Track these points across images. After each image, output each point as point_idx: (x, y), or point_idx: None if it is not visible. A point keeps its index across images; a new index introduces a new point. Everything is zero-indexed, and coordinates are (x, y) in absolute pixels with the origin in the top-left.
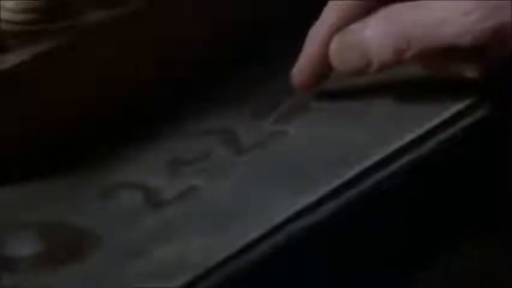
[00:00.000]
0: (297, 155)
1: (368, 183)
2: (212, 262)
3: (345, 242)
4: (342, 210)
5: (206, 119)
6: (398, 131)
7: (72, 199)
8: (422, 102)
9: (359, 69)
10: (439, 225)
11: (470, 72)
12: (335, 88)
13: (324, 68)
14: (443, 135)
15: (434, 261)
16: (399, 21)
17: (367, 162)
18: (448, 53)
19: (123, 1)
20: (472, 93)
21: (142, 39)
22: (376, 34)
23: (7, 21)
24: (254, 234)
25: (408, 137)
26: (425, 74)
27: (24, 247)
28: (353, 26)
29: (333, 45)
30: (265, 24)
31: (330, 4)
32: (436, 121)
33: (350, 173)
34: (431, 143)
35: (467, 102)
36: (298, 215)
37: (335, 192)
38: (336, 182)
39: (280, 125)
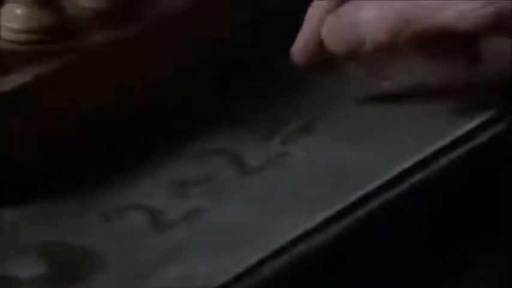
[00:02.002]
0: (302, 177)
1: (373, 205)
2: (216, 284)
3: (349, 266)
4: (346, 233)
5: (212, 139)
6: (406, 150)
7: (76, 220)
8: (431, 121)
9: (352, 49)
10: (448, 247)
11: (460, 60)
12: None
13: (320, 48)
14: (451, 156)
15: (443, 284)
16: (397, 1)
17: (373, 185)
18: (442, 37)
19: (127, 22)
20: (483, 111)
21: (145, 60)
22: (371, 13)
23: (9, 41)
24: (258, 257)
25: (415, 158)
26: (435, 92)
27: (27, 269)
28: (347, 6)
29: (326, 25)
30: (272, 44)
31: None
32: (445, 141)
33: (355, 196)
34: (439, 164)
35: (476, 121)
36: (303, 237)
37: (340, 215)
38: (341, 205)
39: (286, 147)
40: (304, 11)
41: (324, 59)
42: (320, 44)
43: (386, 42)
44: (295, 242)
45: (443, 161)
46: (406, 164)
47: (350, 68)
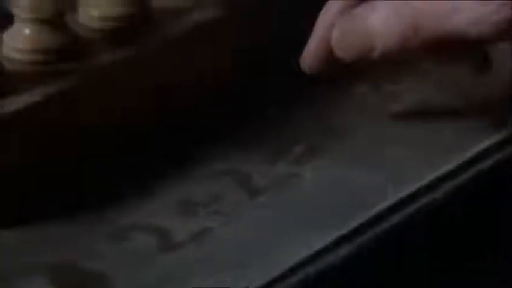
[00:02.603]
0: (311, 198)
1: (382, 227)
2: None
3: (357, 287)
4: (354, 254)
5: (219, 160)
6: (414, 172)
7: (84, 241)
8: (439, 141)
9: (362, 54)
10: (456, 270)
11: (469, 66)
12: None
13: (331, 53)
14: (461, 178)
15: None
16: (408, 7)
17: (382, 206)
18: (454, 43)
19: (132, 43)
20: (493, 131)
21: (150, 80)
22: (382, 19)
23: (16, 62)
24: (267, 278)
25: (423, 180)
26: (442, 111)
27: None
28: (358, 10)
29: (337, 29)
30: (280, 63)
31: None
32: (454, 164)
33: (364, 217)
34: (447, 186)
35: (486, 142)
36: (311, 258)
37: (347, 237)
38: (349, 226)
39: (294, 167)
40: (305, 31)
41: (333, 66)
42: (330, 50)
43: (397, 47)
44: (303, 263)
45: (451, 183)
46: (414, 186)
47: (358, 88)
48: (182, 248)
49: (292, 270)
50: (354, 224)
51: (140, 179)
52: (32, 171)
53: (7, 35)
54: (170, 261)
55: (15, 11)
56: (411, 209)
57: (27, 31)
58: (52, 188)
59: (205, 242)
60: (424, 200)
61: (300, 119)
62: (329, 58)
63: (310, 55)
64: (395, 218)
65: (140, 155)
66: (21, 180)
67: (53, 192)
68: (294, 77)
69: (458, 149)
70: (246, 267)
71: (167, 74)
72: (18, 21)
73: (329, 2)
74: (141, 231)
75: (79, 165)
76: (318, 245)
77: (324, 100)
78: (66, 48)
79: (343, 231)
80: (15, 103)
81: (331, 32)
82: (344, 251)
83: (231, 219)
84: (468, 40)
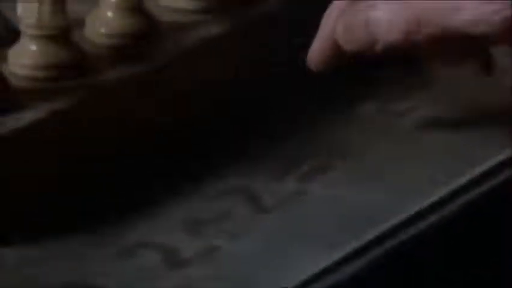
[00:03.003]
0: (317, 215)
1: (389, 245)
2: None
3: None
4: (361, 272)
5: (227, 177)
6: (423, 189)
7: (91, 258)
8: (448, 158)
9: (364, 48)
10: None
11: (469, 66)
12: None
13: (336, 50)
14: (467, 197)
15: None
16: (411, 2)
17: (388, 224)
18: (457, 40)
19: (140, 60)
20: (503, 147)
21: (158, 97)
22: (385, 13)
23: (23, 78)
24: None
25: (431, 198)
26: (451, 127)
27: None
28: (362, 4)
29: (341, 23)
30: (287, 81)
31: None
32: (461, 181)
33: (371, 235)
34: (456, 204)
35: (496, 159)
36: (319, 275)
37: (356, 254)
38: (358, 244)
39: (301, 185)
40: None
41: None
42: (336, 46)
43: (399, 42)
44: (310, 280)
45: (460, 201)
46: (423, 204)
47: (365, 106)
48: (189, 265)
49: (300, 287)
50: (361, 241)
51: (147, 196)
52: (36, 187)
53: (13, 51)
54: (177, 280)
55: (21, 27)
56: (421, 225)
57: (33, 47)
58: (58, 204)
59: (213, 259)
60: (433, 217)
61: (307, 136)
62: (335, 55)
63: (316, 54)
64: (404, 235)
65: (146, 172)
66: (26, 197)
67: (59, 209)
68: (302, 95)
69: (469, 165)
70: (253, 286)
71: (173, 90)
72: (24, 38)
73: (334, 2)
74: (148, 248)
75: (85, 182)
76: (325, 262)
77: (332, 118)
78: (72, 65)
79: (352, 248)
80: (20, 120)
81: (333, 31)
82: (352, 268)
83: (238, 237)
84: (470, 38)
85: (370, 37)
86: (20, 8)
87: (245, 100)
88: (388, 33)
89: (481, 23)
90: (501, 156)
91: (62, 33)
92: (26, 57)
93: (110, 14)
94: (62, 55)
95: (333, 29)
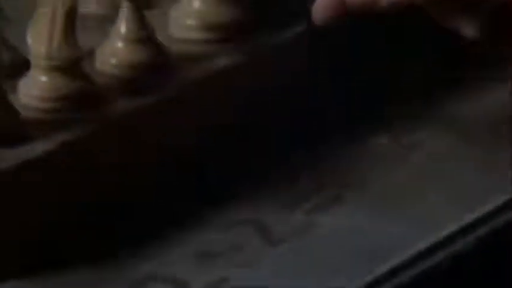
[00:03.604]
0: (328, 247)
1: (402, 278)
2: None
3: None
4: None
5: (237, 210)
6: (435, 222)
7: None
8: (460, 191)
9: (369, 4)
10: None
11: (470, 29)
12: None
13: (340, 3)
14: (483, 230)
15: None
16: None
17: (401, 257)
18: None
19: (150, 90)
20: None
21: (167, 127)
22: None
23: (32, 109)
24: None
25: (444, 231)
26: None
27: None
28: None
29: None
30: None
31: None
32: (476, 214)
33: (383, 268)
34: (468, 239)
35: (506, 197)
36: None
37: (368, 287)
38: (369, 277)
39: (312, 216)
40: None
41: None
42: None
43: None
44: None
45: (471, 236)
46: (434, 238)
47: (378, 138)
48: None
49: None
50: (374, 274)
51: (159, 228)
52: (49, 219)
53: (23, 82)
54: None
55: (31, 58)
56: (431, 260)
57: (43, 78)
58: (68, 237)
59: None
60: (442, 254)
61: (319, 167)
62: (336, 10)
63: (318, 8)
64: (415, 270)
65: (158, 204)
66: (36, 230)
67: (70, 241)
68: (313, 125)
69: (478, 202)
70: None
71: (183, 120)
72: (34, 69)
73: None
74: (158, 281)
75: (95, 214)
76: None
77: (344, 149)
78: (82, 96)
79: (364, 282)
80: (30, 151)
81: None
82: None
83: (248, 269)
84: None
85: None
86: (30, 39)
87: (255, 131)
88: None
89: None
90: (509, 195)
91: (72, 64)
92: (35, 89)
93: (120, 44)
94: (72, 86)
95: None
